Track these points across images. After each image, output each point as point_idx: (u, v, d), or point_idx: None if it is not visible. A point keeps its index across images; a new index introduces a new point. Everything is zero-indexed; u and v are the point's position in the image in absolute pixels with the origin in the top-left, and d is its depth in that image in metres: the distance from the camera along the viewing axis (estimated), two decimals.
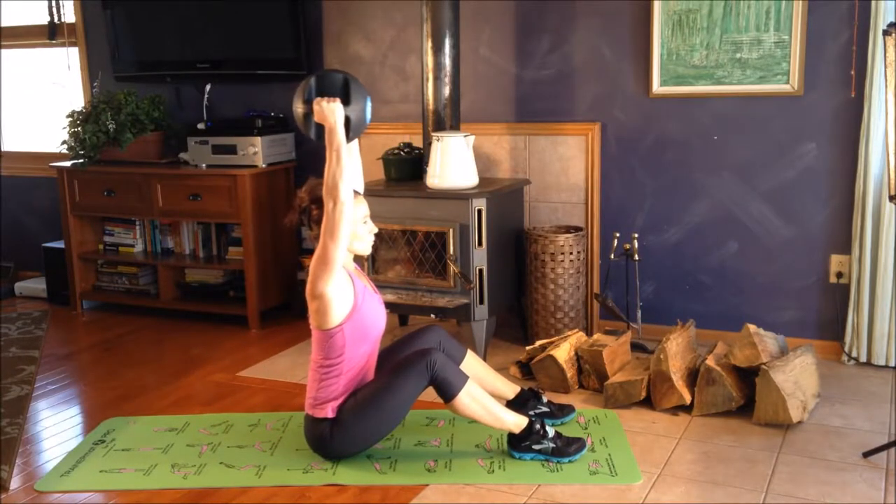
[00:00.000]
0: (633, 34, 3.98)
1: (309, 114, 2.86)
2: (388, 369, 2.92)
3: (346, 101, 2.84)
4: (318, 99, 2.79)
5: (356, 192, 2.89)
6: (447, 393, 2.83)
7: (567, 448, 2.90)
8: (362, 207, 2.92)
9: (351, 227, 2.79)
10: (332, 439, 2.88)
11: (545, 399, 3.24)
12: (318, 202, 2.85)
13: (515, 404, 3.18)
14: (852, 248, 3.68)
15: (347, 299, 2.82)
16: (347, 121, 2.83)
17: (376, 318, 2.94)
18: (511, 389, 3.25)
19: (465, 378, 2.85)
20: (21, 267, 5.68)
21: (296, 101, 2.91)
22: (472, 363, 3.16)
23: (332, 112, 2.76)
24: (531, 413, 3.15)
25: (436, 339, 3.12)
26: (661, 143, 4.03)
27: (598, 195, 4.16)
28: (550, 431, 2.91)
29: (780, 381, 3.06)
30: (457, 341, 3.22)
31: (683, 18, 3.85)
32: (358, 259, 3.15)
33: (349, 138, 2.83)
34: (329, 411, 2.87)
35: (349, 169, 2.75)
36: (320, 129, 2.83)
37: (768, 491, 2.68)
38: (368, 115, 2.96)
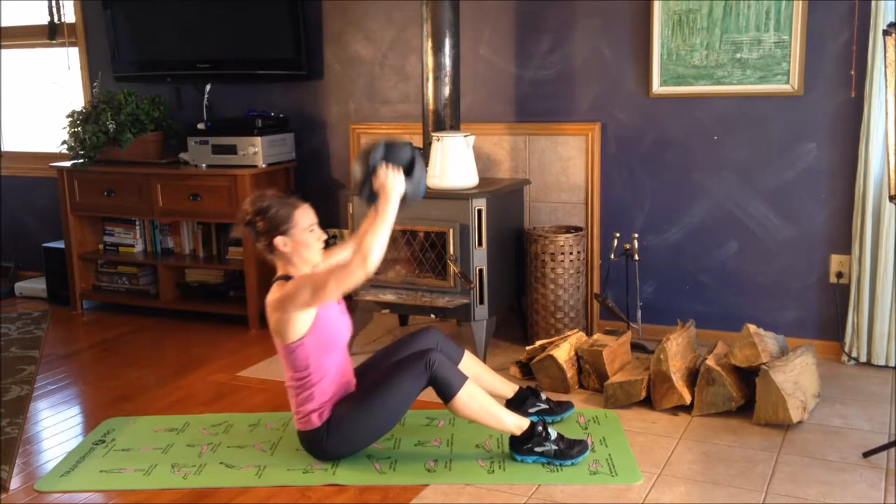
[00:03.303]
0: (633, 34, 3.98)
1: (368, 178, 2.80)
2: (386, 369, 2.92)
3: (408, 175, 2.81)
4: (386, 167, 2.77)
5: (301, 203, 2.87)
6: (446, 393, 2.83)
7: (570, 450, 2.89)
8: (309, 216, 2.87)
9: (301, 242, 2.81)
10: (326, 442, 2.88)
11: (544, 396, 3.25)
12: (262, 213, 2.80)
13: (514, 403, 3.19)
14: (852, 248, 3.68)
15: (309, 312, 2.80)
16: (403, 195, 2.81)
17: (338, 327, 2.91)
18: (510, 388, 3.25)
19: (464, 378, 2.85)
20: (21, 267, 5.68)
21: (358, 162, 2.83)
22: (470, 364, 3.16)
23: (395, 185, 2.76)
24: (531, 411, 3.15)
25: (434, 341, 3.12)
26: (661, 143, 4.03)
27: (598, 195, 4.16)
28: (553, 434, 2.90)
29: (780, 381, 3.06)
30: (454, 342, 3.22)
31: (683, 18, 3.85)
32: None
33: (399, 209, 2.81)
34: (315, 421, 2.87)
35: (386, 241, 2.74)
36: (374, 194, 2.80)
37: (768, 491, 2.68)
38: (422, 192, 2.92)
